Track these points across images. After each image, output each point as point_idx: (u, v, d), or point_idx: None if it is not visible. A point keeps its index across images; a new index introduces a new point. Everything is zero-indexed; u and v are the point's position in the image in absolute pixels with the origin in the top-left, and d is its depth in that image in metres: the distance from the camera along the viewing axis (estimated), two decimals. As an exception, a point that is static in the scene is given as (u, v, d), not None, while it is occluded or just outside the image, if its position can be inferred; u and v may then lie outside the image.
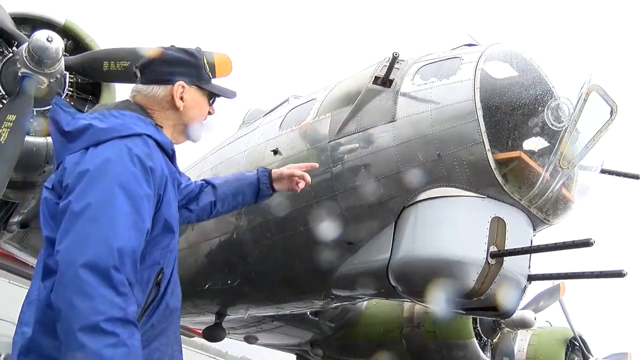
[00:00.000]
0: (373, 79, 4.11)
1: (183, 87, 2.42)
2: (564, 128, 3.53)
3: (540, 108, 3.67)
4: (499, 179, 3.57)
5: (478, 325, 8.07)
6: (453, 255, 3.54)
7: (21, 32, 4.04)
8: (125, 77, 3.90)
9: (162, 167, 2.17)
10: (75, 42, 4.34)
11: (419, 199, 3.82)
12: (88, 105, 4.26)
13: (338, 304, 6.30)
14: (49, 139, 3.99)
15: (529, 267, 3.79)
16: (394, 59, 4.00)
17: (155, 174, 2.09)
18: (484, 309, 3.76)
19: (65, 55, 3.96)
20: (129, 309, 1.82)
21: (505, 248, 3.56)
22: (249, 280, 5.32)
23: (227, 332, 7.09)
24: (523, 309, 8.34)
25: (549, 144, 3.78)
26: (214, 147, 6.38)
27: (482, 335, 8.13)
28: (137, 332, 1.85)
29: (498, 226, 3.60)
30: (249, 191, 3.11)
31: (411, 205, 3.86)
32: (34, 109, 3.91)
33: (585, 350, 8.98)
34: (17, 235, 5.85)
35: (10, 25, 3.92)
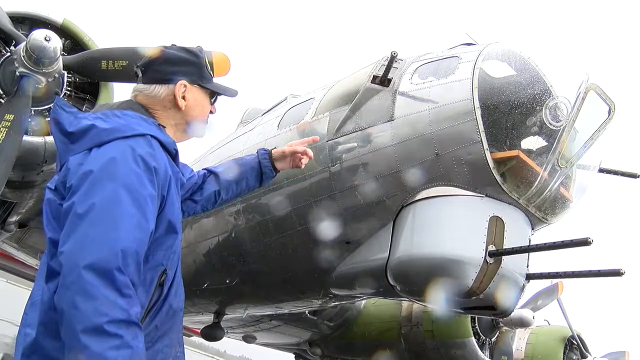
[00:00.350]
0: (371, 78, 4.10)
1: (185, 86, 2.42)
2: (562, 127, 3.53)
3: (538, 107, 3.68)
4: (497, 178, 3.58)
5: (476, 324, 8.08)
6: (451, 254, 3.54)
7: (19, 31, 4.03)
8: (123, 76, 3.90)
9: (166, 167, 2.16)
10: (73, 42, 4.34)
11: (417, 198, 3.82)
12: (86, 105, 4.26)
13: (336, 303, 6.31)
14: (47, 139, 3.99)
15: (528, 266, 3.79)
16: (392, 58, 4.00)
17: (159, 174, 2.09)
18: (483, 308, 3.76)
19: (63, 55, 3.96)
20: (132, 310, 1.81)
21: (504, 247, 3.56)
22: (248, 279, 5.32)
23: (225, 331, 7.09)
24: (521, 308, 8.35)
25: (547, 143, 3.79)
26: (212, 147, 6.38)
27: (481, 334, 8.14)
28: (140, 334, 1.84)
29: (496, 225, 3.60)
30: (251, 176, 3.12)
31: (409, 205, 3.86)
32: (32, 108, 3.91)
33: (583, 349, 8.99)
34: (15, 234, 5.85)
35: (8, 25, 3.91)
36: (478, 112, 3.57)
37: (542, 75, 3.81)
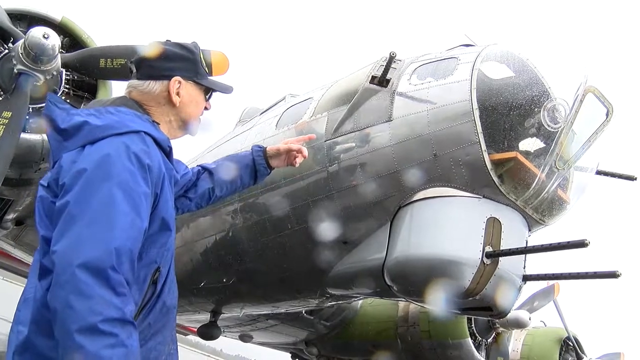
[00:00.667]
0: (370, 78, 4.10)
1: (179, 82, 2.41)
2: (560, 129, 3.54)
3: (536, 109, 3.68)
4: (495, 179, 3.58)
5: (473, 325, 8.09)
6: (448, 255, 3.54)
7: (17, 28, 4.02)
8: (121, 74, 3.90)
9: (160, 165, 2.15)
10: (71, 39, 4.33)
11: (414, 198, 3.82)
12: (84, 103, 4.26)
13: (333, 303, 6.31)
14: (45, 137, 3.98)
15: (524, 268, 3.80)
16: (391, 59, 4.00)
17: (153, 172, 2.08)
18: (479, 309, 3.77)
19: (61, 52, 3.96)
20: (126, 309, 1.81)
21: (501, 248, 3.56)
22: (245, 278, 5.31)
23: (222, 330, 7.09)
24: (518, 309, 8.36)
25: (545, 145, 3.79)
26: (210, 146, 6.37)
27: (477, 335, 8.15)
28: (135, 332, 1.84)
29: (493, 226, 3.60)
30: (246, 173, 3.10)
31: (407, 205, 3.86)
32: (30, 106, 3.90)
33: (579, 350, 9.01)
34: (12, 232, 5.84)
35: (6, 21, 3.90)
36: (476, 113, 3.58)
37: (541, 77, 3.82)
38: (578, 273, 3.46)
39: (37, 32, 3.73)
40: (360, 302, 8.72)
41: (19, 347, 1.91)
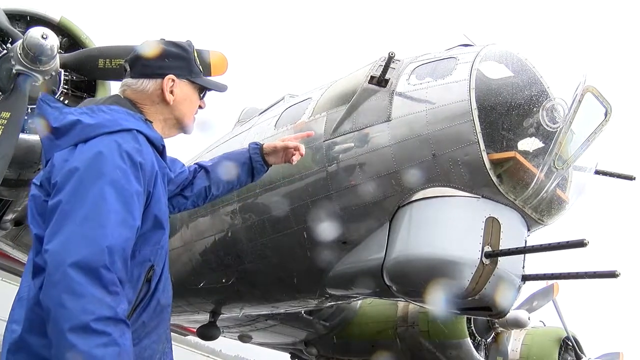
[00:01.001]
0: (369, 78, 4.10)
1: (173, 80, 2.40)
2: (558, 129, 3.54)
3: (535, 109, 3.69)
4: (494, 179, 3.58)
5: (472, 324, 8.09)
6: (447, 255, 3.54)
7: (15, 28, 4.01)
8: (120, 75, 3.87)
9: (152, 163, 2.15)
10: (70, 40, 4.32)
11: (414, 198, 3.82)
12: (82, 103, 4.25)
13: (332, 303, 6.30)
14: (44, 137, 3.97)
15: (523, 267, 3.80)
16: (390, 59, 4.00)
17: (145, 170, 2.07)
18: (478, 309, 3.77)
19: (60, 53, 3.95)
20: (119, 308, 1.81)
21: (500, 248, 3.57)
22: (244, 279, 5.31)
23: (221, 330, 7.08)
24: (517, 308, 8.36)
25: (543, 145, 3.80)
26: (209, 146, 6.37)
27: (476, 334, 8.15)
28: (128, 331, 1.84)
29: (492, 226, 3.60)
30: (243, 171, 3.08)
31: (406, 205, 3.86)
32: (29, 106, 3.89)
33: (578, 350, 9.01)
34: (11, 232, 5.83)
35: (5, 22, 3.89)
36: (475, 113, 3.58)
37: (540, 76, 3.83)
38: (577, 273, 3.46)
39: (36, 33, 3.72)
40: (359, 302, 8.72)
41: (13, 346, 1.91)
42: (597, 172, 4.11)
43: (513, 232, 3.69)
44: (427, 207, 3.75)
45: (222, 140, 6.10)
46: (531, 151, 3.90)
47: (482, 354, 8.14)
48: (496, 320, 8.29)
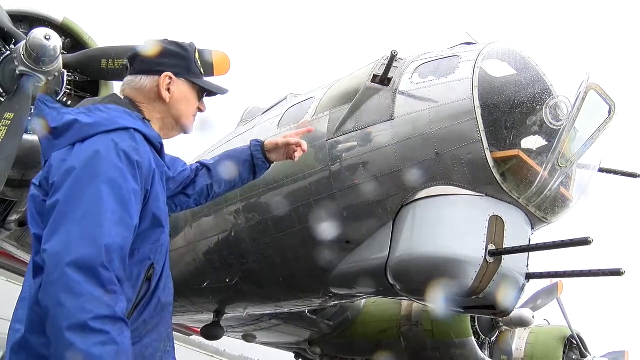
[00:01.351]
0: (371, 77, 4.10)
1: (170, 78, 2.40)
2: (562, 127, 3.53)
3: (538, 107, 3.67)
4: (497, 177, 3.58)
5: (476, 323, 8.08)
6: (451, 254, 3.54)
7: (19, 29, 4.03)
8: (123, 75, 3.89)
9: (150, 161, 2.15)
10: (73, 40, 4.33)
11: (417, 197, 3.82)
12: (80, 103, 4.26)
13: (336, 302, 6.31)
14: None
15: (527, 266, 3.79)
16: (393, 58, 4.00)
17: (142, 168, 2.08)
18: (482, 308, 3.76)
19: (63, 53, 3.96)
20: (117, 306, 1.81)
21: (504, 246, 3.56)
22: (247, 278, 5.32)
23: (225, 330, 7.09)
24: (521, 307, 8.36)
25: (547, 143, 3.79)
26: (212, 145, 6.38)
27: (480, 333, 8.14)
28: (127, 330, 1.84)
29: (496, 225, 3.60)
30: (244, 168, 3.08)
31: (409, 204, 3.86)
32: (32, 107, 3.90)
33: (582, 349, 9.00)
34: (15, 233, 5.84)
35: (8, 23, 3.91)
36: (478, 112, 3.57)
37: (543, 74, 3.81)
38: (582, 271, 3.45)
39: (39, 34, 3.73)
40: (363, 301, 8.72)
41: (16, 345, 1.92)
42: (601, 170, 4.10)
43: (517, 231, 3.69)
44: (431, 205, 3.75)
45: (225, 140, 6.11)
46: (535, 149, 3.89)
47: (487, 352, 8.14)
48: (500, 319, 8.28)
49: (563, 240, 3.22)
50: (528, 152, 3.76)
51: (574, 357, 9.02)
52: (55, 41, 3.77)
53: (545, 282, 8.90)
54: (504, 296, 3.61)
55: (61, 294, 1.74)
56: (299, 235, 4.54)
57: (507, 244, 3.57)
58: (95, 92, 4.29)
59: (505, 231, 3.60)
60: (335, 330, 8.88)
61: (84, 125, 2.06)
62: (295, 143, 3.08)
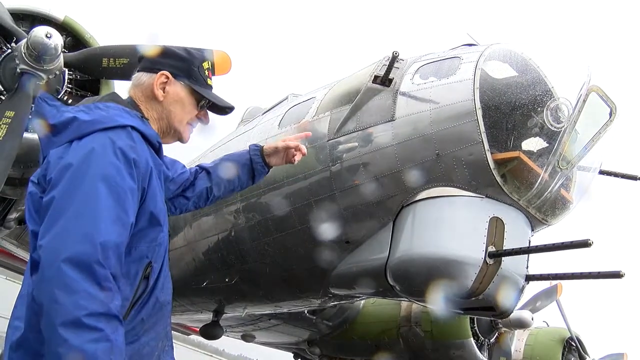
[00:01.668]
0: (373, 78, 4.10)
1: (167, 77, 2.41)
2: (563, 129, 3.53)
3: (539, 108, 3.67)
4: (498, 179, 3.57)
5: (475, 325, 8.07)
6: (451, 255, 3.54)
7: (20, 28, 4.02)
8: (124, 74, 3.89)
9: (147, 160, 2.16)
10: (74, 39, 4.33)
11: (417, 198, 3.82)
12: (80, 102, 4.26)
13: (336, 302, 6.31)
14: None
15: (527, 267, 3.79)
16: (394, 58, 4.00)
17: (139, 167, 2.08)
18: (482, 309, 3.76)
19: (64, 52, 3.95)
20: (112, 304, 1.82)
21: (504, 248, 3.56)
22: (247, 278, 5.32)
23: (224, 330, 7.09)
24: (520, 309, 8.35)
25: (548, 145, 3.79)
26: (212, 145, 6.38)
27: (480, 335, 8.14)
28: (121, 328, 1.84)
29: (496, 226, 3.60)
30: (243, 173, 3.08)
31: (410, 205, 3.86)
32: (33, 105, 3.90)
33: (581, 351, 9.00)
34: (15, 231, 5.85)
35: (9, 21, 3.91)
36: (479, 113, 3.57)
37: (544, 76, 3.81)
38: (581, 273, 3.45)
39: (40, 32, 3.73)
40: (362, 301, 8.71)
41: (15, 342, 1.93)
42: (602, 172, 4.10)
43: (517, 232, 3.69)
44: (431, 206, 3.75)
45: (226, 139, 6.11)
46: (535, 151, 3.89)
47: (485, 354, 8.13)
48: (499, 321, 8.27)
49: (563, 242, 3.23)
50: (529, 153, 3.76)
51: (572, 359, 9.02)
52: (56, 39, 3.77)
53: (545, 284, 8.90)
54: (503, 297, 3.61)
55: (56, 290, 1.74)
56: (299, 236, 4.54)
57: (507, 245, 3.57)
58: (96, 91, 4.29)
59: (505, 233, 3.60)
60: (334, 330, 8.88)
61: (82, 122, 2.07)
62: (294, 147, 3.09)
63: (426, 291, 3.65)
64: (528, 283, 3.84)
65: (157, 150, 2.32)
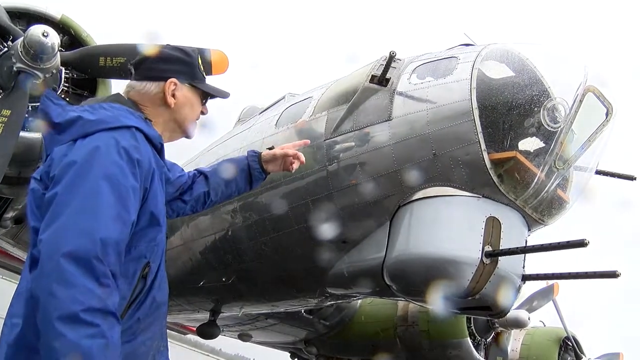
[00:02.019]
0: (370, 77, 4.10)
1: (175, 84, 2.45)
2: (559, 129, 3.54)
3: (536, 108, 3.67)
4: (495, 178, 3.58)
5: (472, 324, 8.09)
6: (448, 255, 3.54)
7: (16, 26, 4.02)
8: (121, 73, 3.89)
9: (150, 160, 2.18)
10: (71, 38, 4.33)
11: (414, 198, 3.82)
12: (83, 102, 4.25)
13: (332, 302, 6.31)
14: (45, 135, 3.97)
15: (524, 267, 3.80)
16: (391, 58, 4.00)
17: (142, 167, 2.10)
18: (479, 309, 3.77)
19: (61, 51, 3.95)
20: (109, 300, 1.82)
21: (500, 248, 3.56)
22: (244, 278, 5.31)
23: (221, 329, 7.09)
24: (517, 308, 8.37)
25: (544, 145, 3.79)
26: (209, 145, 6.37)
27: (476, 334, 8.15)
28: (117, 325, 1.85)
29: (493, 226, 3.60)
30: (241, 178, 3.11)
31: (407, 204, 3.86)
32: (29, 104, 3.89)
33: (578, 350, 9.01)
34: (11, 231, 5.83)
35: (6, 19, 3.90)
36: (476, 113, 3.57)
37: (540, 76, 3.81)
38: (577, 273, 3.46)
39: (37, 30, 3.72)
40: (359, 301, 8.71)
41: (13, 339, 1.93)
42: (598, 172, 4.10)
43: (513, 232, 3.69)
44: (428, 206, 3.75)
45: (223, 139, 6.10)
46: (532, 151, 3.89)
47: (482, 353, 8.15)
48: (496, 320, 8.29)
49: (559, 242, 3.23)
50: (525, 153, 3.76)
51: (569, 358, 9.03)
52: (53, 38, 3.77)
53: (541, 284, 8.91)
54: (500, 297, 3.61)
55: (54, 284, 1.75)
56: (295, 235, 4.54)
57: (504, 245, 3.58)
58: (93, 90, 4.29)
59: (501, 232, 3.60)
60: (331, 330, 8.88)
61: (87, 121, 2.10)
62: (292, 154, 3.11)
63: (423, 291, 3.66)
64: (524, 283, 3.84)
65: (159, 151, 2.35)
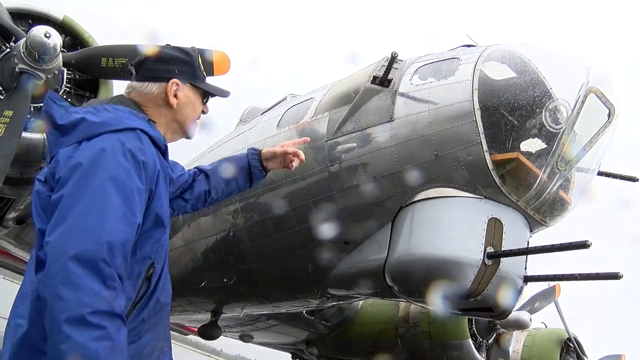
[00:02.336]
0: (371, 78, 4.10)
1: (177, 84, 2.45)
2: (561, 130, 3.53)
3: (538, 109, 3.67)
4: (497, 179, 3.57)
5: (473, 325, 8.08)
6: (450, 256, 3.54)
7: (19, 27, 4.02)
8: (123, 74, 3.90)
9: (155, 162, 2.19)
10: (73, 38, 4.33)
11: (416, 199, 3.81)
12: (85, 102, 4.25)
13: (334, 303, 6.31)
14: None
15: (525, 268, 3.79)
16: (393, 59, 4.00)
17: (147, 169, 2.11)
18: (480, 310, 3.76)
19: (63, 52, 3.95)
20: (116, 302, 1.83)
21: (502, 249, 3.56)
22: (245, 278, 5.31)
23: (222, 330, 7.09)
24: (519, 310, 8.34)
25: (546, 146, 3.79)
26: (211, 145, 6.38)
27: (478, 335, 8.13)
28: (123, 327, 1.85)
29: (495, 227, 3.60)
30: (241, 176, 3.11)
31: (408, 205, 3.86)
32: (31, 105, 3.90)
33: (579, 352, 8.98)
34: (13, 231, 5.84)
35: (8, 20, 3.90)
36: (478, 114, 3.57)
37: (543, 77, 3.81)
38: (579, 274, 3.45)
39: (39, 31, 3.73)
40: (360, 302, 8.71)
41: (17, 340, 1.94)
42: (600, 173, 4.10)
43: (515, 233, 3.69)
44: (430, 207, 3.75)
45: (225, 139, 6.11)
46: (534, 152, 3.88)
47: (484, 355, 8.13)
48: (498, 321, 8.27)
49: (561, 244, 3.23)
50: (527, 154, 3.76)
51: (570, 360, 9.02)
52: (55, 39, 3.77)
53: (543, 285, 8.90)
54: (501, 298, 3.61)
55: (61, 287, 1.75)
56: (297, 236, 4.54)
57: (506, 246, 3.57)
58: (94, 91, 4.29)
59: (503, 234, 3.60)
60: (332, 331, 8.88)
61: (91, 123, 2.10)
62: (292, 152, 3.12)
63: (425, 292, 3.65)
64: (526, 284, 3.84)
65: (163, 152, 2.36)
